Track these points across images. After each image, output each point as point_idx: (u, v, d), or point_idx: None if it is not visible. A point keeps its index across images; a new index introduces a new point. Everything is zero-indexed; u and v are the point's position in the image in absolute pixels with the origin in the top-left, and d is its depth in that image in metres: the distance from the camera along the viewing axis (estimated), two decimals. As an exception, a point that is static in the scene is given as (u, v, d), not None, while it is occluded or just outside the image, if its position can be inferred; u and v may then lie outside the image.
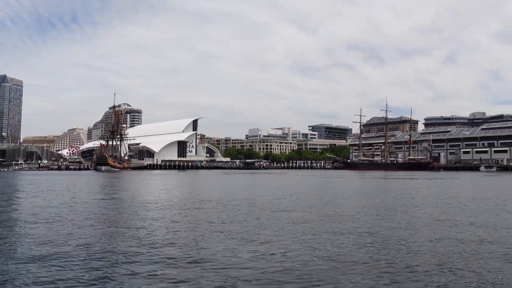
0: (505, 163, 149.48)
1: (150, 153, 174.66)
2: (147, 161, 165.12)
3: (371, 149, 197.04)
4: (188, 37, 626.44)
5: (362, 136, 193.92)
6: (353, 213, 21.46)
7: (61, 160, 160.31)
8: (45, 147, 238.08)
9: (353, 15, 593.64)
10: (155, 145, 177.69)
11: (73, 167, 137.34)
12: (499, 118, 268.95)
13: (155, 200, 29.38)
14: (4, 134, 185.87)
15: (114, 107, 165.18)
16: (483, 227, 16.82)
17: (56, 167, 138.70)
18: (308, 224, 17.71)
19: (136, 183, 54.98)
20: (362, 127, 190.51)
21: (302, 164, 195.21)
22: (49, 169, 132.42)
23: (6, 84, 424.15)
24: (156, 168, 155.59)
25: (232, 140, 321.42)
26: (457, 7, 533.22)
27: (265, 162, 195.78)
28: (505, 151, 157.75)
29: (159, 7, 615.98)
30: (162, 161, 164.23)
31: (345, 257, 11.61)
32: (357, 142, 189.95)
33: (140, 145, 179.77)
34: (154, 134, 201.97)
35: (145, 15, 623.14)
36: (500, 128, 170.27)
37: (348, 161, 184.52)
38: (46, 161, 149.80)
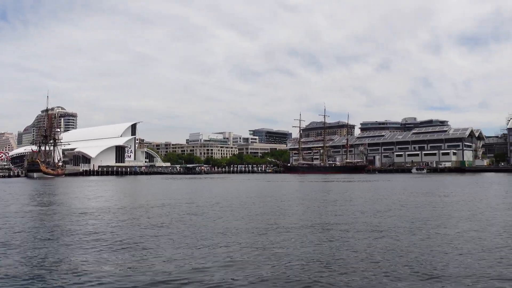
0: (434, 165, 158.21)
1: (86, 159, 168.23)
2: (83, 167, 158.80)
3: (310, 153, 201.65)
4: (126, 39, 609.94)
5: (302, 140, 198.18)
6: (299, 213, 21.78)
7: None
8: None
9: (292, 22, 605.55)
10: (91, 150, 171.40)
11: (1, 174, 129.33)
12: (429, 123, 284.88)
13: (88, 208, 28.29)
14: None
15: (47, 110, 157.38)
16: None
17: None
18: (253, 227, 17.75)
19: (69, 191, 52.72)
20: (301, 132, 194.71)
21: (243, 169, 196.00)
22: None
23: None
24: (93, 174, 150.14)
25: (173, 144, 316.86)
26: (389, 18, 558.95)
27: (206, 167, 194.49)
28: (434, 154, 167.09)
29: (95, 8, 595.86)
30: (99, 166, 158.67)
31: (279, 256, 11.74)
32: (297, 146, 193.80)
33: (76, 150, 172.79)
34: (91, 139, 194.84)
35: (81, 15, 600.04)
36: (430, 132, 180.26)
37: (288, 165, 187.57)
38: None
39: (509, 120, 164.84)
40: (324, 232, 16.41)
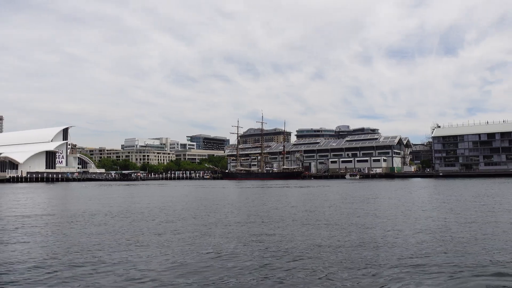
0: (366, 171, 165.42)
1: (13, 165, 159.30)
2: (9, 173, 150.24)
3: (248, 159, 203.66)
4: (56, 39, 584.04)
5: (240, 147, 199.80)
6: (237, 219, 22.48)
7: None
8: None
9: (229, 28, 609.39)
10: (19, 155, 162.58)
11: None
12: (361, 131, 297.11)
13: (15, 217, 27.39)
14: None
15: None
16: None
17: None
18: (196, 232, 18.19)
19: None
20: (239, 138, 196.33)
21: (181, 175, 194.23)
22: None
23: None
24: (21, 181, 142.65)
25: (107, 150, 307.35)
26: (323, 29, 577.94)
27: (142, 173, 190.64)
28: (366, 161, 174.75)
29: (23, 5, 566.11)
30: (27, 173, 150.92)
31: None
32: (235, 153, 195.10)
33: (1, 155, 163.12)
34: (18, 143, 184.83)
35: (6, 11, 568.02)
36: (362, 140, 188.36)
37: (226, 171, 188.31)
38: None
39: (434, 129, 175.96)
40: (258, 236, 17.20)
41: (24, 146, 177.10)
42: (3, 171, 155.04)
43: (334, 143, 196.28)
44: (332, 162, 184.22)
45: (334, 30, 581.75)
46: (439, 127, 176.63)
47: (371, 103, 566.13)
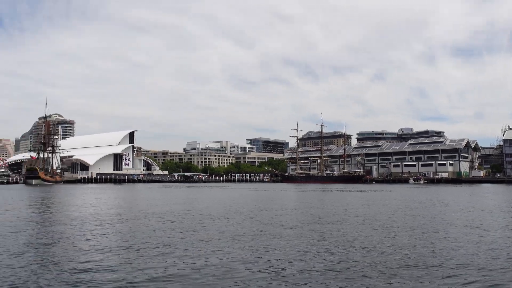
0: (431, 176, 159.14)
1: (84, 166, 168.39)
2: (81, 175, 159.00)
3: (308, 162, 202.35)
4: (122, 47, 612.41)
5: (299, 150, 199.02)
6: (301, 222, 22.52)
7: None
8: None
9: (288, 32, 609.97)
10: (89, 157, 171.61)
11: (0, 180, 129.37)
12: (425, 133, 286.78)
13: (93, 214, 28.93)
14: None
15: (45, 117, 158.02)
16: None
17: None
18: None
19: (70, 198, 53.23)
20: (298, 141, 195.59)
21: (240, 178, 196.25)
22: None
23: None
24: (91, 182, 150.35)
25: (170, 153, 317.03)
26: (384, 29, 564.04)
27: (204, 176, 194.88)
28: (431, 165, 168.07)
29: (92, 15, 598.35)
30: (97, 174, 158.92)
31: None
32: (294, 156, 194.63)
33: (74, 157, 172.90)
34: (89, 146, 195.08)
35: (77, 23, 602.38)
36: (426, 143, 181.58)
37: (286, 174, 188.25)
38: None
39: (505, 132, 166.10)
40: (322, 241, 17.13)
41: (93, 149, 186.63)
42: (75, 172, 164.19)
43: (396, 146, 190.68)
44: (394, 166, 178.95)
45: (394, 30, 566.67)
46: (511, 129, 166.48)
47: (436, 104, 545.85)
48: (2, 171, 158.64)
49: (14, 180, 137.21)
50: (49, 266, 12.08)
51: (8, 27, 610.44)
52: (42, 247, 15.25)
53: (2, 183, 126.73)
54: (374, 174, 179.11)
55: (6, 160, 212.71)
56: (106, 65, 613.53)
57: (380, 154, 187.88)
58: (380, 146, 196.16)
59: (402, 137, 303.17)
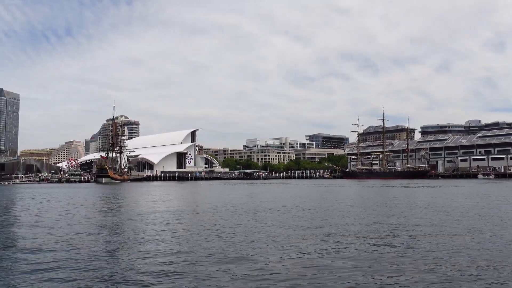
0: (502, 170, 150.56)
1: (149, 165, 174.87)
2: (146, 173, 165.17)
3: (369, 158, 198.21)
4: (181, 49, 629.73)
5: (360, 145, 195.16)
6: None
7: (61, 173, 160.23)
8: (44, 160, 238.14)
9: (346, 25, 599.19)
10: (154, 156, 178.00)
11: (73, 179, 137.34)
12: (495, 125, 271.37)
13: (170, 210, 30.08)
14: (2, 147, 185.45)
15: (113, 119, 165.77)
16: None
17: (57, 180, 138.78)
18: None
19: (144, 195, 55.56)
20: (359, 136, 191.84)
21: (300, 174, 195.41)
22: (49, 182, 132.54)
23: (2, 97, 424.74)
24: (156, 180, 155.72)
25: (230, 150, 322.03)
26: (447, 17, 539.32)
27: (264, 172, 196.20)
28: (502, 159, 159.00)
29: (152, 20, 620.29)
30: (161, 172, 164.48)
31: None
32: (355, 151, 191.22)
33: (139, 156, 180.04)
34: (153, 145, 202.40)
35: (139, 28, 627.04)
36: (497, 135, 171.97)
37: (347, 170, 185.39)
38: (46, 174, 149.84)
39: None
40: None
41: (157, 148, 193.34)
42: (141, 171, 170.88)
43: (464, 140, 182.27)
44: (462, 160, 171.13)
45: (458, 18, 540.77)
46: None
47: (506, 94, 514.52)
48: (75, 171, 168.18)
49: (86, 179, 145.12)
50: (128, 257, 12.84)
51: (76, 35, 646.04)
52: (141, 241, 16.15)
53: (75, 181, 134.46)
54: (440, 169, 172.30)
55: (78, 160, 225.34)
56: (167, 68, 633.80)
57: (446, 148, 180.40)
58: (446, 139, 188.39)
59: (469, 129, 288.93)
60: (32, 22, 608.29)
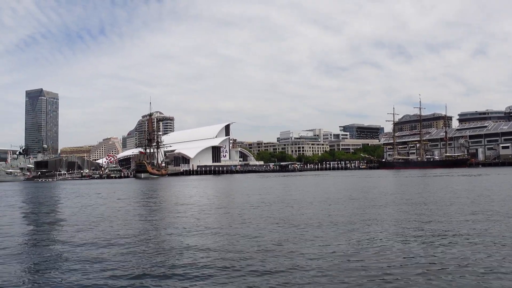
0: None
1: (185, 159, 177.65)
2: (183, 167, 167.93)
3: (406, 147, 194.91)
4: (212, 43, 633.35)
5: (396, 134, 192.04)
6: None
7: (102, 169, 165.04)
8: (85, 157, 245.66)
9: (377, 12, 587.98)
10: (190, 151, 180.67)
11: (113, 175, 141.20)
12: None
13: (224, 204, 30.90)
14: (45, 145, 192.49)
15: (150, 115, 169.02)
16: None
17: (98, 176, 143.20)
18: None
19: (189, 188, 56.85)
20: (394, 125, 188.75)
21: (335, 165, 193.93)
22: (91, 178, 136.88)
23: (42, 97, 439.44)
24: (192, 174, 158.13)
25: (264, 143, 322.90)
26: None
27: (299, 164, 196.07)
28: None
29: (183, 15, 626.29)
30: (197, 166, 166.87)
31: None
32: (391, 141, 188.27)
33: (176, 151, 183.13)
34: (188, 140, 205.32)
35: (170, 24, 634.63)
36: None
37: (383, 160, 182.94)
38: (87, 171, 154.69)
39: None
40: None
41: (193, 143, 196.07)
42: (178, 165, 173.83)
43: (505, 126, 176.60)
44: (503, 147, 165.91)
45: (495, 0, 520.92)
46: None
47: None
48: (114, 167, 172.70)
49: (125, 174, 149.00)
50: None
51: (109, 34, 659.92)
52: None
53: (116, 177, 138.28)
54: (480, 157, 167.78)
55: (116, 157, 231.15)
56: (199, 62, 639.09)
57: (486, 136, 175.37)
58: (486, 126, 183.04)
59: (510, 116, 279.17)
60: (66, 23, 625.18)
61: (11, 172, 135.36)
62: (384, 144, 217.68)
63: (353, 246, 13.37)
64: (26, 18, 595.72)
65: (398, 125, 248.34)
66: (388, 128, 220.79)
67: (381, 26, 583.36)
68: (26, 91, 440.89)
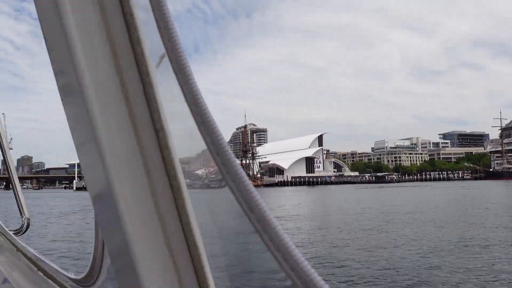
0: None
1: (279, 170, 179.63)
2: (277, 178, 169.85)
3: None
4: (301, 54, 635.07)
5: (504, 141, 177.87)
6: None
7: (201, 179, 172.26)
8: (185, 168, 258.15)
9: (474, 10, 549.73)
10: (284, 162, 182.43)
11: (213, 186, 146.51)
12: None
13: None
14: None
15: (245, 126, 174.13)
16: None
17: (198, 186, 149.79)
18: None
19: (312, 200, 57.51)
20: (502, 132, 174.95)
21: (436, 176, 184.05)
22: (192, 188, 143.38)
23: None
24: (286, 185, 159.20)
25: (358, 153, 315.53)
26: None
27: (396, 175, 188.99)
28: None
29: (270, 29, 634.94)
30: (292, 177, 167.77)
31: None
32: (499, 148, 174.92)
33: (270, 162, 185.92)
34: (281, 151, 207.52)
35: (259, 39, 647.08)
36: None
37: (490, 170, 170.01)
38: (188, 180, 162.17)
39: None
40: None
41: (286, 154, 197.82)
42: (272, 176, 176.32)
43: None
44: None
45: None
46: None
47: None
48: (213, 177, 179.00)
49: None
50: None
51: (203, 51, 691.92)
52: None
53: (215, 187, 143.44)
54: None
55: (215, 167, 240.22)
56: (288, 73, 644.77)
57: None
58: None
59: None
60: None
61: None
62: (491, 152, 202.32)
63: None
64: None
65: (506, 131, 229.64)
66: (495, 134, 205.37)
67: (479, 24, 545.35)
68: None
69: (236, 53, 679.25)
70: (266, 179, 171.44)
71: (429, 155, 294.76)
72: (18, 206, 3.06)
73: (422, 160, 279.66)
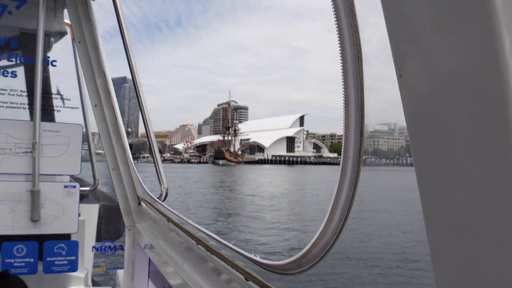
0: None
1: (260, 148, 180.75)
2: (258, 156, 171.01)
3: None
4: (284, 34, 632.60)
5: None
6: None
7: (182, 153, 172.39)
8: (167, 142, 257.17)
9: None
10: (265, 140, 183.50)
11: (193, 160, 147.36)
12: None
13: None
14: (129, 129, 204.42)
15: (228, 103, 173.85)
16: None
17: (179, 160, 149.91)
18: None
19: (293, 178, 58.59)
20: None
21: (411, 161, 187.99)
22: (172, 162, 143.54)
23: (125, 84, 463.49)
24: (267, 163, 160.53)
25: (338, 135, 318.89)
26: None
27: (376, 158, 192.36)
28: None
29: (256, 7, 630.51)
30: (272, 156, 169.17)
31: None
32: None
33: (251, 140, 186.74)
34: (263, 130, 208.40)
35: (243, 15, 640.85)
36: None
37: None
38: (169, 155, 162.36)
39: None
40: None
41: (267, 132, 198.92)
42: (253, 154, 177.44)
43: None
44: None
45: None
46: None
47: None
48: (191, 152, 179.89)
49: (204, 160, 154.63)
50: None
51: (185, 25, 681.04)
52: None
53: (195, 162, 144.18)
54: None
55: (192, 142, 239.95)
56: (271, 53, 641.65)
57: None
58: None
59: None
60: (146, 15, 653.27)
61: (99, 153, 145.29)
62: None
63: None
64: (110, 11, 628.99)
65: None
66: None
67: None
68: (111, 78, 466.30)
69: (219, 29, 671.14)
70: (247, 156, 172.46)
71: (406, 141, 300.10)
72: (158, 177, 3.31)
73: (399, 145, 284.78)
